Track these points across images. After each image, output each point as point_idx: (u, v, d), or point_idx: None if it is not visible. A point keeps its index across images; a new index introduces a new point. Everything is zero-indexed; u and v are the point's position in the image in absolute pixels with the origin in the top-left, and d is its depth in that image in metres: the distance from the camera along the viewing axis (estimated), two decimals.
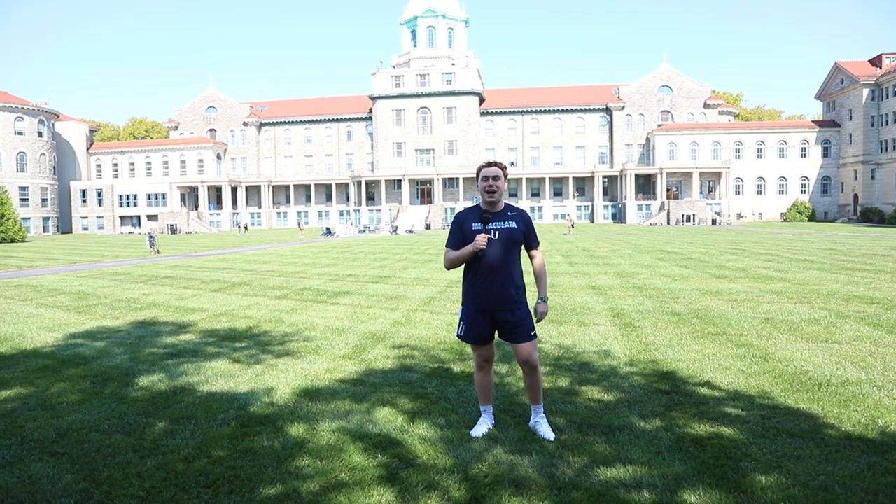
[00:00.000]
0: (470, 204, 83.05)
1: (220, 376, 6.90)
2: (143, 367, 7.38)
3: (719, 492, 3.85)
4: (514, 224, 4.82)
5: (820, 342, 8.20)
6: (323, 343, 8.70)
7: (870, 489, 3.88)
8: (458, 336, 5.04)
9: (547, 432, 4.81)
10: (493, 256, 4.74)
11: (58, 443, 4.90)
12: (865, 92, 76.35)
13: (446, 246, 4.93)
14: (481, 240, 4.65)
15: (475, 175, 4.96)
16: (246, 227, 69.58)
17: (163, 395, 6.17)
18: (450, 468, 4.27)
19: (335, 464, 4.37)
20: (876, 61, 78.15)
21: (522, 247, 4.92)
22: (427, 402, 5.76)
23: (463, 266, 4.93)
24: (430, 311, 11.42)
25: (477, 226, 4.77)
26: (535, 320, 4.94)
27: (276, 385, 6.46)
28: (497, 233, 4.76)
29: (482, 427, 4.96)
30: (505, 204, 4.93)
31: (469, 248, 4.72)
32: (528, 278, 5.11)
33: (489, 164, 4.86)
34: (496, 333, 4.93)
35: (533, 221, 5.08)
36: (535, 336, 4.92)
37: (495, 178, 4.80)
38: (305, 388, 6.31)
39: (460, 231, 4.86)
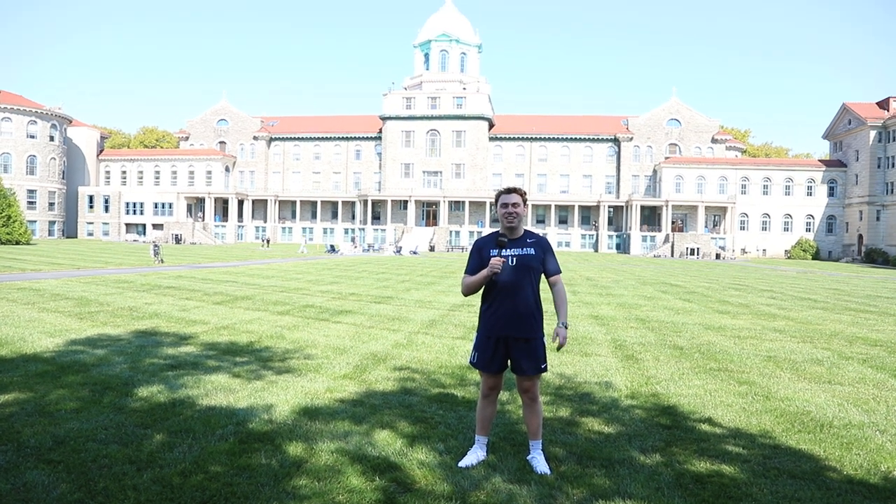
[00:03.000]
0: (475, 228, 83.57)
1: (220, 390, 6.88)
2: (142, 378, 7.36)
3: None
4: (531, 251, 4.79)
5: (822, 383, 8.16)
6: (324, 361, 8.68)
7: None
8: (470, 363, 5.02)
9: (543, 468, 4.74)
10: (508, 282, 4.71)
11: (54, 451, 4.88)
12: (872, 134, 76.64)
13: (465, 272, 4.92)
14: (496, 263, 4.64)
15: (494, 201, 4.95)
16: (268, 242, 69.52)
17: (161, 407, 6.14)
18: (448, 495, 4.24)
19: (333, 485, 4.34)
20: (883, 104, 78.55)
21: (542, 276, 4.90)
22: (427, 427, 5.73)
23: (481, 295, 4.92)
24: (432, 335, 11.39)
25: (494, 252, 4.76)
26: (554, 345, 4.85)
27: (275, 402, 6.43)
28: (514, 259, 4.74)
29: (470, 458, 4.85)
30: (525, 231, 4.91)
31: (484, 273, 4.70)
32: (548, 307, 5.07)
33: (509, 191, 4.84)
34: (508, 364, 4.88)
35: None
36: (545, 369, 4.88)
37: (514, 204, 4.78)
38: (305, 407, 6.28)
39: (479, 257, 4.85)
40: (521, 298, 4.73)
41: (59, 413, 5.85)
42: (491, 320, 4.81)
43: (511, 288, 4.72)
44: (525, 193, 4.93)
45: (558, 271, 4.93)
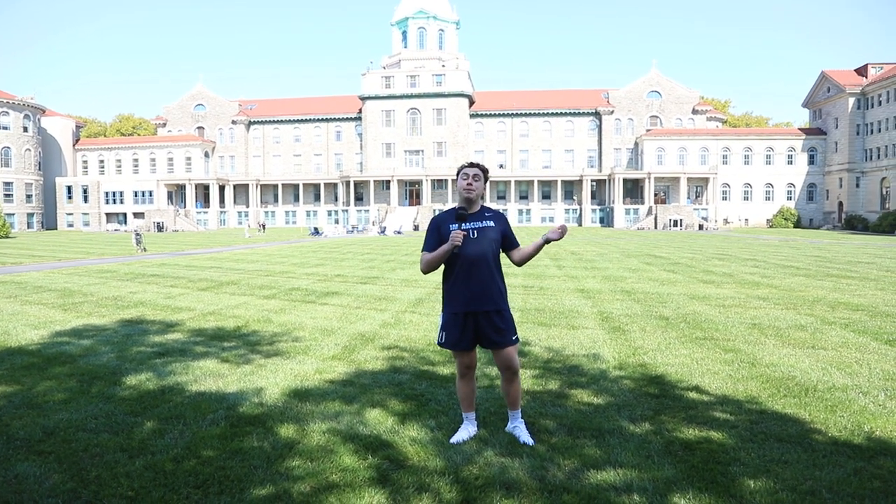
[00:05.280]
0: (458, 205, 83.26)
1: (209, 376, 6.86)
2: (130, 366, 7.32)
3: (708, 496, 3.87)
4: (491, 223, 4.79)
5: (806, 348, 8.28)
6: (312, 343, 8.67)
7: (856, 494, 3.92)
8: (438, 344, 4.97)
9: (526, 437, 4.79)
10: (471, 256, 4.69)
11: (44, 442, 4.85)
12: (851, 101, 77.18)
13: (423, 250, 4.85)
14: (457, 236, 4.60)
15: (456, 176, 4.94)
16: (264, 227, 69.01)
17: (151, 395, 6.12)
18: (441, 470, 4.27)
19: (326, 465, 4.35)
20: (862, 71, 79.04)
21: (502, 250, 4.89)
22: (417, 404, 5.75)
23: (442, 273, 4.92)
24: (419, 313, 11.41)
25: (455, 226, 4.72)
26: (557, 232, 4.69)
27: (265, 385, 6.43)
28: (475, 232, 4.73)
29: (462, 434, 4.89)
30: (482, 206, 4.91)
31: (445, 247, 4.65)
32: (515, 281, 5.05)
33: (471, 165, 4.84)
34: (478, 341, 4.85)
35: (521, 224, 4.99)
36: (517, 340, 4.88)
37: (475, 177, 4.77)
38: (295, 389, 6.29)
39: (437, 233, 4.81)
40: (485, 271, 4.72)
41: (48, 404, 5.81)
42: (457, 296, 4.77)
43: (474, 261, 4.70)
44: (488, 171, 4.92)
45: (518, 245, 4.92)
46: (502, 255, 4.92)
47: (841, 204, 79.12)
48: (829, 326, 9.85)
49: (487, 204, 5.35)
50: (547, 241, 4.74)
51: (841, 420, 5.30)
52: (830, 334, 9.20)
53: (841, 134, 78.97)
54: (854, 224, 73.00)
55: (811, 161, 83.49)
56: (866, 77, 77.38)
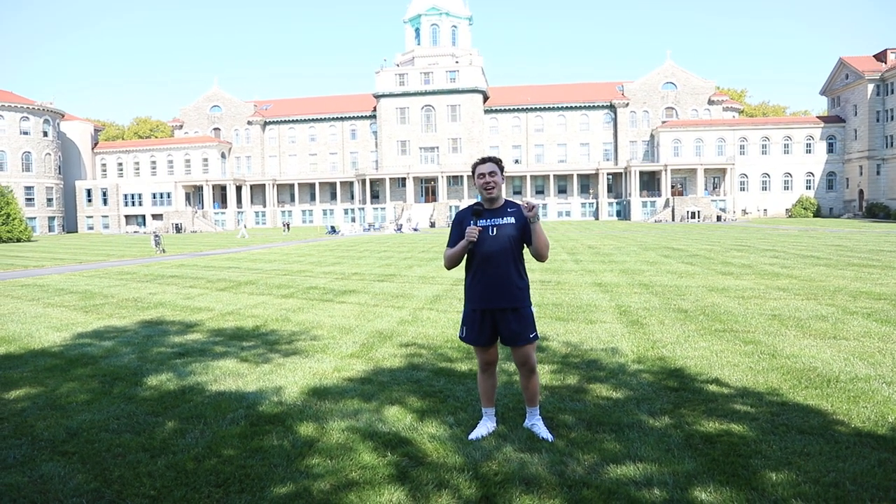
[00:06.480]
0: (474, 201, 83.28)
1: (229, 375, 6.91)
2: (151, 367, 7.40)
3: (730, 489, 3.84)
4: (512, 220, 4.73)
5: (828, 339, 8.18)
6: (330, 342, 8.71)
7: (881, 486, 3.86)
8: (460, 338, 5.02)
9: (545, 433, 4.78)
10: (489, 253, 4.67)
11: (68, 442, 4.92)
12: (870, 87, 76.03)
13: (447, 246, 4.88)
14: (472, 232, 4.60)
15: (472, 172, 4.89)
16: (288, 226, 69.26)
17: (172, 395, 6.18)
18: (460, 467, 4.27)
19: (345, 463, 4.37)
20: (881, 56, 77.81)
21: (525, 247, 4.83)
22: (436, 401, 5.76)
23: (465, 266, 4.91)
24: (437, 310, 11.41)
25: (471, 221, 4.73)
26: (527, 211, 4.63)
27: (284, 384, 6.47)
28: (495, 229, 4.69)
29: (481, 430, 4.89)
30: (505, 200, 4.86)
31: (462, 243, 4.67)
32: (532, 276, 5.03)
33: (484, 161, 4.77)
34: (498, 336, 4.86)
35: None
36: (536, 338, 4.86)
37: (491, 173, 4.70)
38: (314, 387, 6.32)
39: (459, 229, 4.80)
40: (502, 269, 4.69)
41: (71, 405, 5.88)
42: (475, 293, 4.78)
43: (492, 258, 4.68)
44: (501, 161, 4.85)
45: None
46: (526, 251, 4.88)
47: (861, 192, 78.03)
48: (850, 316, 9.72)
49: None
50: (530, 218, 4.63)
51: (864, 411, 5.23)
52: (852, 324, 9.08)
53: (860, 121, 77.85)
54: (875, 212, 71.97)
55: (830, 149, 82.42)
56: (885, 63, 76.18)
